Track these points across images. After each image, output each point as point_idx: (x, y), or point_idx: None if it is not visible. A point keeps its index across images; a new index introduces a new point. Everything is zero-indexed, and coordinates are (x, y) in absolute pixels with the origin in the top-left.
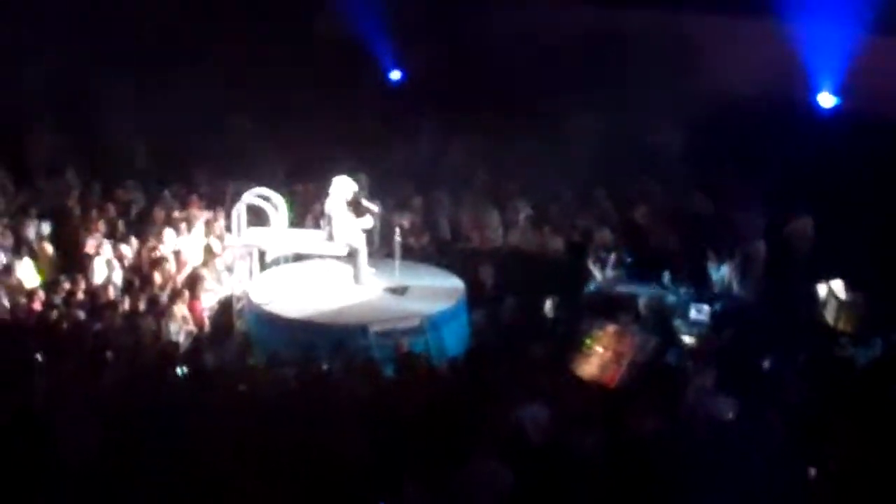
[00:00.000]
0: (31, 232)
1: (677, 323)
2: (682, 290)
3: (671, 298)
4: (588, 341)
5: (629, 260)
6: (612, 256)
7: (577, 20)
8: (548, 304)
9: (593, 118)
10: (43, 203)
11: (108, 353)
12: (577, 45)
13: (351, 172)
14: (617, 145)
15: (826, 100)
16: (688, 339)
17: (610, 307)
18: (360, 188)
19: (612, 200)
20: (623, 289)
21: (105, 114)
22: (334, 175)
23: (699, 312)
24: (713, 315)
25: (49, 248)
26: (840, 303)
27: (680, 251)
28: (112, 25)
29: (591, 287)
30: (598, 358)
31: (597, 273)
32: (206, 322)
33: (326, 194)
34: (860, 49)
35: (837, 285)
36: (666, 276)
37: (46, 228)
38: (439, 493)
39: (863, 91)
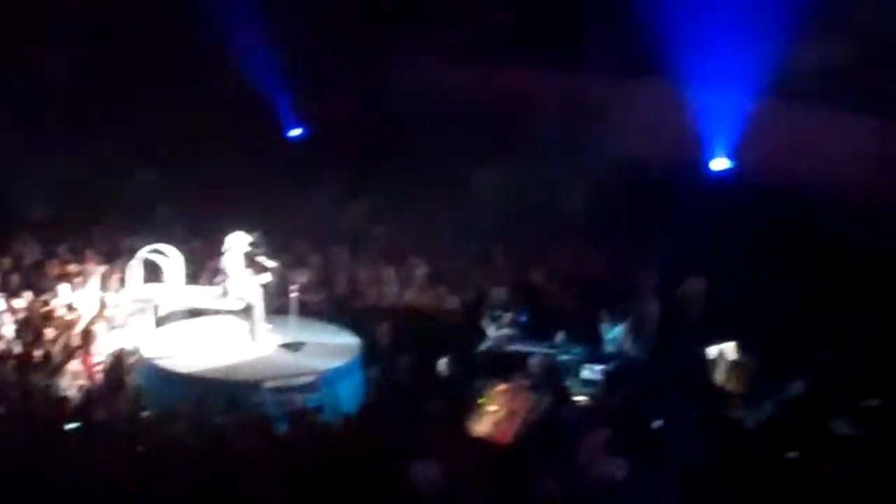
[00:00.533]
0: None
1: (570, 382)
2: (576, 350)
3: (564, 357)
4: (482, 399)
5: (523, 319)
6: (507, 315)
7: (482, 79)
8: (442, 362)
9: (494, 177)
10: None
11: None
12: (479, 105)
13: (248, 228)
14: (517, 205)
15: (720, 163)
16: (581, 399)
17: (503, 366)
18: (257, 244)
19: (509, 259)
20: (516, 347)
21: (1, 167)
22: (232, 231)
23: (592, 372)
24: (606, 374)
25: None
26: (731, 364)
27: (574, 310)
28: (11, 78)
29: (485, 346)
30: (491, 416)
31: (490, 331)
32: (99, 377)
33: (222, 250)
34: (754, 113)
35: (728, 347)
36: (560, 336)
37: None
38: None
39: (756, 155)
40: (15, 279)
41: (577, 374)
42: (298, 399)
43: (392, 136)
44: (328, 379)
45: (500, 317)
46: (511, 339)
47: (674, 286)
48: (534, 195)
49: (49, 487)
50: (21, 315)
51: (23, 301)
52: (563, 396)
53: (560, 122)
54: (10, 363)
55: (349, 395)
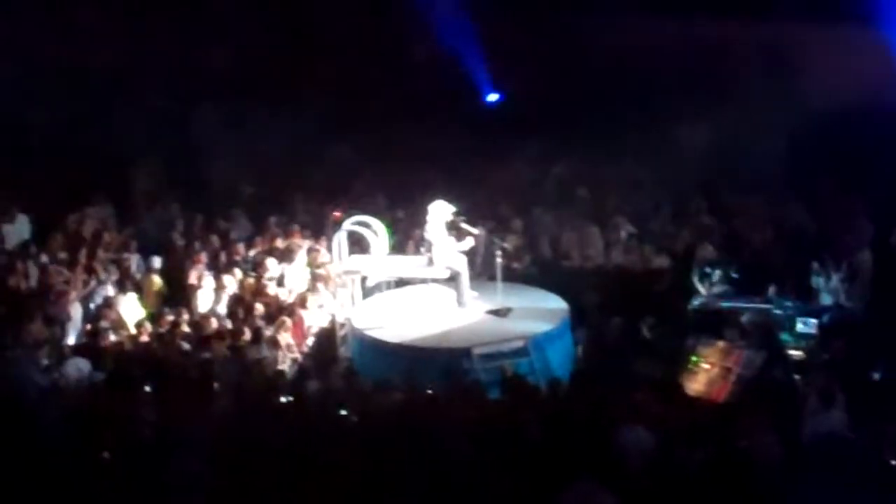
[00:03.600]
0: (134, 266)
1: (784, 337)
2: (788, 304)
3: (777, 312)
4: (694, 358)
5: (734, 275)
6: (717, 272)
7: (675, 33)
8: (652, 322)
9: (696, 132)
10: (147, 237)
11: (215, 384)
12: (675, 59)
13: (450, 196)
14: (717, 158)
15: None
16: (795, 353)
17: (715, 323)
18: (460, 212)
19: (715, 215)
20: (728, 304)
21: (206, 146)
22: (433, 200)
23: (806, 325)
24: (821, 328)
25: (157, 281)
26: None
27: (785, 264)
28: (210, 60)
29: (696, 303)
30: (705, 374)
31: (701, 289)
32: (310, 350)
33: (426, 219)
34: None
35: None
36: (771, 290)
37: (156, 262)
38: None
39: None
40: (224, 256)
41: (790, 328)
42: (508, 364)
43: (590, 95)
44: (537, 343)
45: (709, 274)
46: (722, 296)
47: (887, 235)
48: (738, 149)
49: (265, 461)
50: (232, 292)
51: (232, 278)
52: (777, 352)
53: (761, 73)
54: (224, 340)
55: (559, 359)
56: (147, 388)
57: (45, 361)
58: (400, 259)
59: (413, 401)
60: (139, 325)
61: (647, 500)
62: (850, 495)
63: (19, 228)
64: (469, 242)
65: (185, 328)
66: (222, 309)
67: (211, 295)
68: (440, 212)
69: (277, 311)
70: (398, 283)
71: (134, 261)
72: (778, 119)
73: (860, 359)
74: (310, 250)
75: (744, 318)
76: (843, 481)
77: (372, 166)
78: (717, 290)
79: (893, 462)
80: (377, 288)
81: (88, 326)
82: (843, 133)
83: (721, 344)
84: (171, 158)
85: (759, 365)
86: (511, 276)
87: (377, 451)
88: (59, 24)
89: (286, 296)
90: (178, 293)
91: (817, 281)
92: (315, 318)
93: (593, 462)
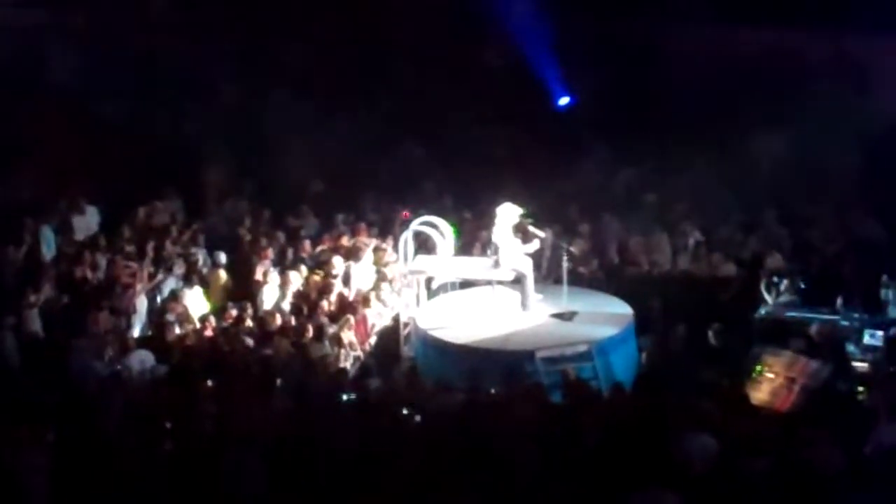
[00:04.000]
0: (201, 260)
1: (851, 349)
2: (856, 316)
3: (844, 323)
4: (759, 367)
5: (802, 285)
6: (785, 281)
7: (750, 40)
8: (717, 330)
9: (766, 140)
10: (215, 231)
11: (278, 380)
12: (749, 66)
13: (518, 199)
14: (788, 168)
15: None
16: (861, 365)
17: (782, 332)
18: (528, 214)
19: (782, 224)
20: (795, 314)
21: (278, 143)
22: (501, 202)
23: (874, 338)
24: (888, 340)
25: (223, 276)
26: None
27: (853, 275)
28: (284, 56)
29: (763, 312)
30: (769, 384)
31: (768, 298)
32: (373, 348)
33: (493, 221)
34: None
35: None
36: (839, 301)
37: (222, 257)
38: None
39: None
40: (290, 253)
41: (857, 340)
42: (571, 368)
43: (661, 101)
44: (601, 348)
45: (777, 283)
46: (789, 306)
47: None
48: (810, 159)
49: (326, 458)
50: (297, 288)
51: (298, 275)
52: (843, 363)
53: (836, 83)
54: (288, 336)
55: (623, 365)
56: (209, 383)
57: (108, 353)
58: (465, 260)
59: (475, 402)
60: (203, 320)
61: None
62: None
63: (89, 220)
64: (535, 245)
65: (249, 323)
66: (287, 305)
67: (276, 291)
68: (508, 214)
69: (341, 309)
70: (463, 285)
71: (201, 255)
72: (851, 129)
73: None
74: (376, 249)
75: (812, 329)
76: None
77: (441, 167)
78: (784, 299)
79: None
80: (442, 288)
81: (154, 320)
82: None
83: (786, 354)
84: (242, 154)
85: (825, 376)
86: (577, 281)
87: (438, 452)
88: (132, 13)
89: (351, 294)
90: (243, 289)
91: (886, 293)
92: (379, 317)
93: (655, 468)
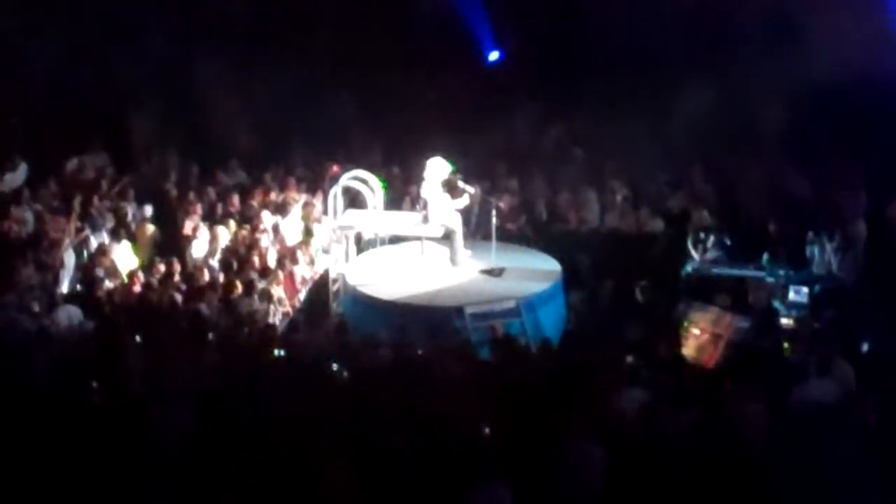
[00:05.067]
0: (130, 214)
1: (776, 304)
2: (781, 272)
3: (769, 280)
4: (686, 323)
5: (728, 242)
6: (711, 238)
7: None
8: (644, 286)
9: (693, 96)
10: (143, 185)
11: (206, 336)
12: (676, 21)
13: (447, 154)
14: (716, 124)
15: None
16: (786, 321)
17: (708, 289)
18: (457, 170)
19: (709, 181)
20: (721, 270)
21: (205, 96)
22: (430, 157)
23: (798, 294)
24: (812, 297)
25: (150, 230)
26: None
27: (779, 232)
28: (210, 7)
29: (689, 269)
30: (695, 340)
31: (695, 254)
32: (302, 304)
33: (422, 176)
34: None
35: None
36: (765, 258)
37: (148, 210)
38: (535, 474)
39: None
40: (219, 208)
41: (783, 296)
42: (499, 324)
43: (590, 56)
44: (529, 304)
45: (704, 239)
46: (716, 262)
47: (882, 207)
48: (737, 114)
49: (255, 413)
50: (225, 244)
51: (226, 230)
52: (768, 319)
53: (763, 38)
54: (217, 292)
55: (551, 321)
56: (137, 338)
57: (35, 308)
58: (395, 216)
59: (403, 358)
60: (131, 275)
61: (634, 459)
62: (835, 463)
63: (18, 176)
64: (464, 201)
65: (177, 278)
66: (215, 262)
67: (205, 246)
68: (437, 169)
69: (270, 265)
70: (392, 240)
71: (130, 209)
72: (779, 85)
73: (850, 330)
74: (305, 204)
75: (736, 285)
76: (829, 449)
77: (370, 119)
78: (710, 255)
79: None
80: (371, 244)
81: (82, 275)
82: (844, 101)
83: (713, 310)
84: (170, 106)
85: (750, 332)
86: (505, 237)
87: (365, 408)
88: None
89: (280, 249)
90: (171, 243)
91: (811, 250)
92: (307, 273)
93: (584, 421)
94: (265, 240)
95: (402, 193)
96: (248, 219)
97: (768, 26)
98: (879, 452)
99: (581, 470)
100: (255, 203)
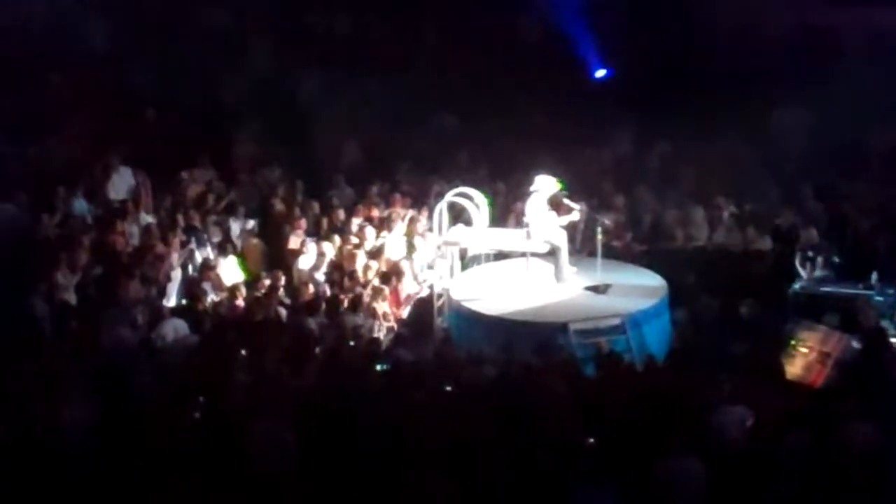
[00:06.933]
0: (237, 229)
1: (885, 324)
2: (891, 291)
3: (879, 298)
4: (793, 341)
5: (837, 260)
6: (820, 256)
7: (787, 14)
8: (751, 304)
9: (801, 114)
10: (249, 201)
11: (311, 350)
12: (787, 40)
13: (553, 171)
14: (826, 142)
15: None
16: None
17: (816, 308)
18: (563, 187)
19: (818, 199)
20: (829, 289)
21: (312, 112)
22: (536, 174)
23: None
24: None
25: (256, 245)
26: None
27: (889, 251)
28: (319, 25)
29: (797, 287)
30: (802, 358)
31: (803, 273)
32: (406, 319)
33: (528, 193)
34: None
35: None
36: (874, 277)
37: (250, 224)
38: (636, 489)
39: None
40: (324, 224)
41: (892, 316)
42: (604, 341)
43: (697, 73)
44: (634, 321)
45: (812, 258)
46: (824, 281)
47: None
48: (843, 132)
49: (358, 426)
50: (331, 259)
51: (331, 245)
52: (878, 339)
53: (871, 59)
54: (322, 306)
55: (656, 338)
56: (242, 352)
57: (139, 321)
58: (500, 232)
59: (507, 374)
60: (235, 289)
61: (739, 479)
62: None
63: (122, 181)
64: (570, 217)
65: (282, 293)
66: (320, 276)
67: (310, 261)
68: (543, 186)
69: (375, 280)
70: (497, 256)
71: (237, 224)
72: (888, 102)
73: None
74: (410, 220)
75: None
76: None
77: (476, 138)
78: (819, 274)
79: None
80: (476, 260)
81: (188, 289)
82: None
83: (820, 329)
84: (276, 123)
85: (859, 351)
86: (611, 254)
87: (469, 423)
88: None
89: (385, 265)
90: (276, 258)
91: None
92: (412, 288)
93: (687, 439)
94: (370, 255)
95: (506, 210)
96: (353, 234)
97: (876, 46)
98: None
99: (681, 485)
100: (360, 218)
